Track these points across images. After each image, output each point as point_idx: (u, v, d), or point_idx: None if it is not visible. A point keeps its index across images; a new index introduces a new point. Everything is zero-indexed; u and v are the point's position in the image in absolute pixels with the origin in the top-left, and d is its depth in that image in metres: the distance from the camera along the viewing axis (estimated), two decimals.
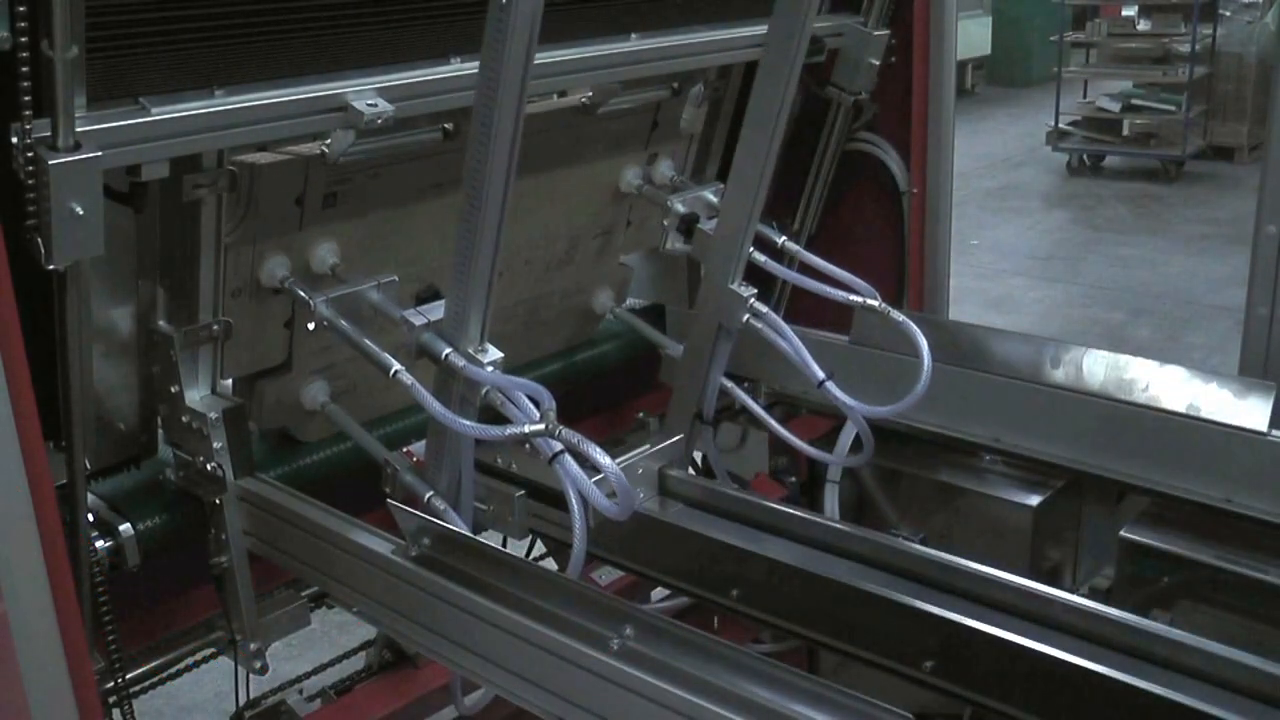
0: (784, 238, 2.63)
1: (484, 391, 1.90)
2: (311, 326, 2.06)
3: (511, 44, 1.67)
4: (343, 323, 2.03)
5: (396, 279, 2.11)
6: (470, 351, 1.88)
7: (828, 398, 2.38)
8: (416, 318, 1.92)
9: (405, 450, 2.22)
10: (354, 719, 2.27)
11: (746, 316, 2.41)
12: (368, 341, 2.00)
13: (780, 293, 3.16)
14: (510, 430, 1.85)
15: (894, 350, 2.46)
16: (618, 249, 2.79)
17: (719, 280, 2.42)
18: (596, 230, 2.70)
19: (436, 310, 1.93)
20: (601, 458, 1.80)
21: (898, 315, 2.39)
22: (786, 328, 2.41)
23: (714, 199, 2.63)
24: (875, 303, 2.43)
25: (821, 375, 2.37)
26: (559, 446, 1.83)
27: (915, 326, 2.34)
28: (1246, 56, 10.41)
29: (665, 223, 2.64)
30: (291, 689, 2.38)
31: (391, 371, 1.93)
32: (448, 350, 1.88)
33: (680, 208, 2.60)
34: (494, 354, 1.90)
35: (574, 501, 1.84)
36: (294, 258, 2.13)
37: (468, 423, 1.87)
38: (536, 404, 1.87)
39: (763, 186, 2.34)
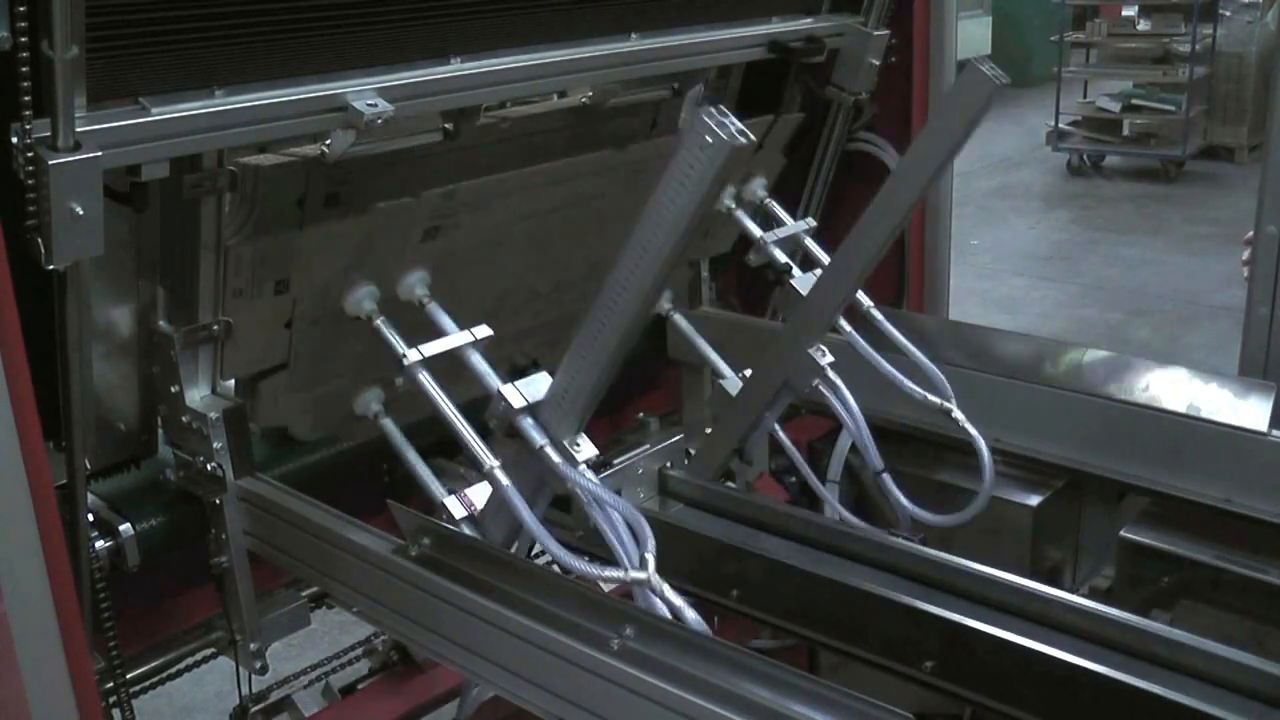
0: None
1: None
2: (399, 382, 1.96)
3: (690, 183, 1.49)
4: (430, 388, 1.94)
5: (491, 334, 2.00)
6: (567, 446, 1.78)
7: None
8: (516, 397, 1.80)
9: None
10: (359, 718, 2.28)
11: (816, 382, 2.30)
12: (461, 426, 1.91)
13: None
14: (609, 572, 1.71)
15: (894, 351, 2.46)
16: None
17: (799, 341, 2.30)
18: None
19: (536, 388, 1.81)
20: (689, 612, 1.67)
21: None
22: (852, 403, 2.31)
23: (809, 244, 2.61)
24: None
25: (880, 466, 2.35)
26: (654, 598, 1.69)
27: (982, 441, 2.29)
28: (1246, 56, 10.40)
29: (751, 258, 2.60)
30: (297, 686, 2.38)
31: (486, 466, 1.85)
32: (544, 443, 1.78)
33: (779, 256, 2.58)
34: (588, 450, 1.79)
35: None
36: (383, 288, 2.08)
37: (565, 552, 1.75)
38: (635, 536, 1.73)
39: (871, 264, 2.20)
